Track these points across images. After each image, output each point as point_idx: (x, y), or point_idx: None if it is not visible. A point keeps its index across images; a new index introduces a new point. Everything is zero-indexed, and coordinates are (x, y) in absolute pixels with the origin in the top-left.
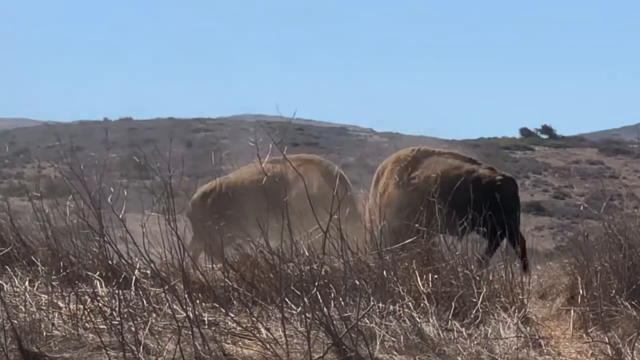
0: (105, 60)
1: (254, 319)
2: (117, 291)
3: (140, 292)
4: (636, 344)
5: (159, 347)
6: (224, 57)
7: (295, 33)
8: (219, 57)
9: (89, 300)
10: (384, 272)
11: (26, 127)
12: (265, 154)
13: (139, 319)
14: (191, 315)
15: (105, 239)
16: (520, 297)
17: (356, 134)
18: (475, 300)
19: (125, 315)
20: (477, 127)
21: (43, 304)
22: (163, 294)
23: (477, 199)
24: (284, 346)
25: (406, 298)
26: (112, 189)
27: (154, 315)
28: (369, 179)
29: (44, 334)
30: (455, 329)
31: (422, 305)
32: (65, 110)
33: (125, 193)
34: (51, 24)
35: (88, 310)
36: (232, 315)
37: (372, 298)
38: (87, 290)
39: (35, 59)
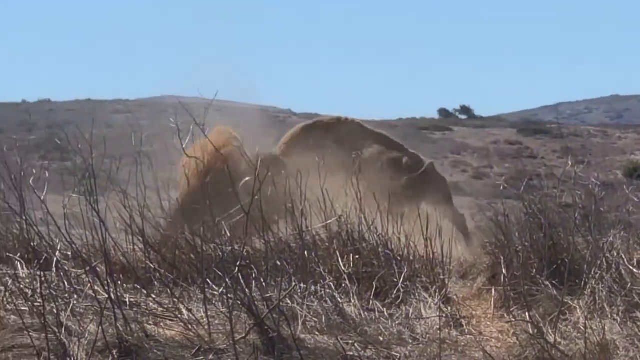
0: (20, 41)
1: (175, 299)
2: (38, 273)
3: (62, 274)
4: (557, 323)
5: (81, 328)
6: (138, 37)
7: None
8: (134, 37)
9: (10, 282)
10: (305, 253)
11: None
12: (186, 135)
13: (60, 300)
14: (113, 296)
15: (27, 220)
16: (441, 277)
17: (275, 115)
18: (396, 280)
19: (47, 297)
20: (396, 108)
21: None
22: (84, 275)
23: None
24: (206, 327)
25: (327, 278)
26: (33, 171)
27: (75, 296)
28: None
29: None
30: (376, 309)
31: (343, 285)
32: None
33: (47, 175)
34: None
35: (9, 292)
36: (154, 296)
37: (293, 279)
38: (9, 272)
39: None
